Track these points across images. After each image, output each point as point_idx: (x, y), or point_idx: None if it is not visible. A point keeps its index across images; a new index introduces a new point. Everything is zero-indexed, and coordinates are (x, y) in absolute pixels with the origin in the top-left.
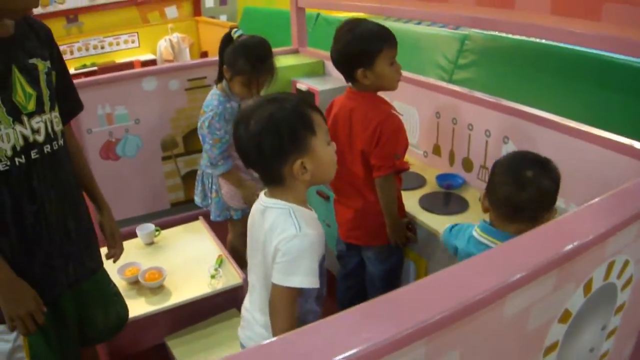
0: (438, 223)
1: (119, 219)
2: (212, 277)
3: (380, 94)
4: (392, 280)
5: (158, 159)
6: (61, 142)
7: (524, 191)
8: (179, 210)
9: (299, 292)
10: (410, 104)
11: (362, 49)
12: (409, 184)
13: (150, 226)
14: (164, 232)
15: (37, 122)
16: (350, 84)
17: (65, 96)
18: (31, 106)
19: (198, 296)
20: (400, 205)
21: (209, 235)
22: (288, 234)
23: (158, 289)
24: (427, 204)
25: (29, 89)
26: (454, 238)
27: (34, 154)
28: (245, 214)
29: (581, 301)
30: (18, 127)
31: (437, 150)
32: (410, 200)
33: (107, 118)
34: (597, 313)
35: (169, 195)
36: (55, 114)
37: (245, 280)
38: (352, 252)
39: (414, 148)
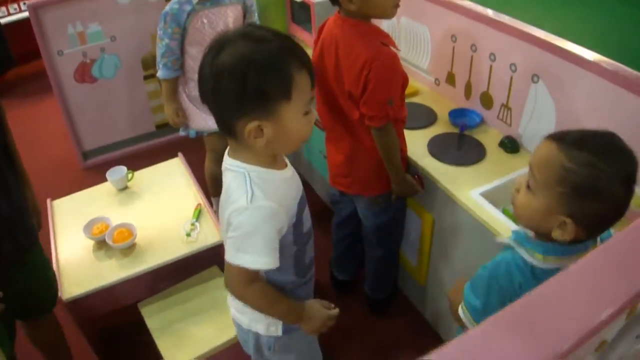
0: (449, 176)
1: (104, 144)
2: (188, 235)
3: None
4: (391, 235)
5: (139, 78)
6: None
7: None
8: (164, 133)
9: (255, 272)
10: (419, 21)
11: None
12: (416, 121)
13: (123, 170)
14: (138, 174)
15: None
16: (340, 10)
17: None
18: None
19: (173, 258)
20: (404, 156)
21: (188, 177)
22: (238, 205)
23: (128, 250)
24: (437, 148)
25: None
26: (491, 292)
27: None
28: (199, 134)
29: None
30: None
31: (450, 79)
32: (417, 143)
33: (80, 37)
34: None
35: (153, 116)
36: None
37: None
38: (345, 198)
39: (422, 73)
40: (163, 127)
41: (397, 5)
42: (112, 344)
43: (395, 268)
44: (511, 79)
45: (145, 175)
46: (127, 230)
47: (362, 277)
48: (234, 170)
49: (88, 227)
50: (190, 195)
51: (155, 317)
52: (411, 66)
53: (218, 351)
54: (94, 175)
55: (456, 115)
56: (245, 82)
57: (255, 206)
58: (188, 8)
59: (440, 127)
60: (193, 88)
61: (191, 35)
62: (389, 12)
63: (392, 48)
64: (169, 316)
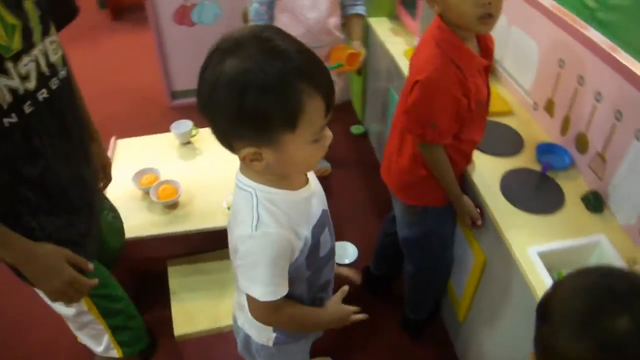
0: (512, 219)
1: (192, 88)
2: (228, 208)
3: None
4: (422, 252)
5: None
6: (63, 72)
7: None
8: None
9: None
10: (530, 34)
11: None
12: (498, 146)
13: (188, 124)
14: (204, 132)
15: (26, 64)
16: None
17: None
18: (16, 44)
19: (209, 227)
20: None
21: None
22: (244, 232)
23: (169, 207)
24: (510, 183)
25: (10, 18)
26: None
27: (27, 108)
28: None
29: None
30: (2, 81)
31: (549, 107)
32: (491, 171)
33: None
34: None
35: None
36: (52, 39)
37: None
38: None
39: (522, 92)
40: None
41: (483, 18)
42: (133, 294)
43: (427, 291)
44: (613, 127)
45: (210, 135)
46: (173, 187)
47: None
48: (242, 189)
49: (137, 177)
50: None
51: (178, 279)
52: (513, 82)
53: (223, 332)
54: (178, 115)
55: (545, 150)
56: (243, 101)
57: (260, 233)
58: None
59: (523, 160)
60: None
61: (282, 1)
62: (472, 24)
63: (461, 70)
64: (191, 283)
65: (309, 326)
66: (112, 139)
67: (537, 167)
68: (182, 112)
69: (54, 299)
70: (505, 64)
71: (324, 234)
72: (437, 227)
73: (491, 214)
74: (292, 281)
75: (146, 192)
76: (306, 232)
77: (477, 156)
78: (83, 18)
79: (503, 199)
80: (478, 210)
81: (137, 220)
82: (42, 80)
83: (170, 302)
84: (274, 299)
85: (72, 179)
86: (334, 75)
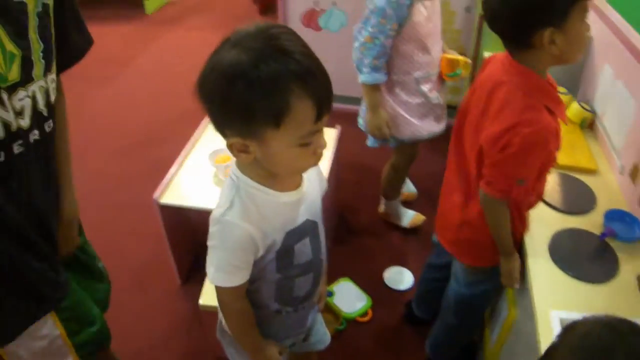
0: (548, 280)
1: None
2: None
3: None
4: (473, 310)
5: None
6: (53, 120)
7: None
8: None
9: (236, 290)
10: (631, 91)
11: None
12: (566, 202)
13: None
14: None
15: (22, 98)
16: (511, 50)
17: (66, 35)
18: (13, 74)
19: None
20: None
21: (329, 150)
22: (215, 215)
23: None
24: (560, 244)
25: (10, 46)
26: None
27: (17, 148)
28: (403, 143)
29: None
30: None
31: (634, 173)
32: (548, 227)
33: None
34: None
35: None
36: (52, 77)
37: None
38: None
39: (614, 154)
40: None
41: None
42: (190, 263)
43: (462, 342)
44: None
45: None
46: None
47: None
48: (231, 177)
49: (213, 155)
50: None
51: None
52: (607, 139)
53: None
54: None
55: (615, 216)
56: (231, 90)
57: (224, 221)
58: (406, 1)
59: (587, 221)
60: (401, 91)
61: (408, 30)
62: (580, 54)
63: (554, 117)
64: None
65: (242, 339)
66: (204, 120)
67: (596, 235)
68: None
69: None
70: (605, 120)
71: (301, 243)
72: (497, 285)
73: (528, 268)
74: (259, 277)
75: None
76: (276, 235)
77: (539, 206)
78: (234, 7)
79: (547, 255)
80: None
81: (202, 190)
82: (37, 120)
83: None
84: (221, 284)
85: (38, 227)
86: (448, 83)
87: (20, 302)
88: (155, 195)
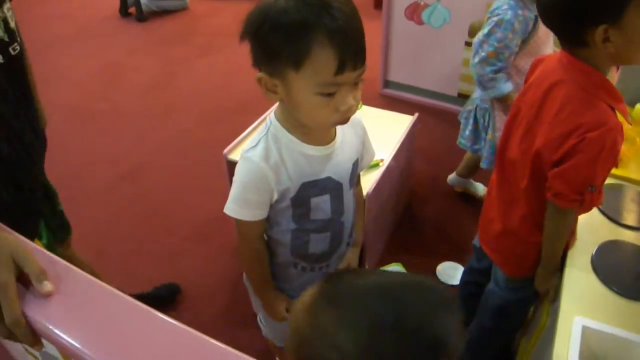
0: (584, 290)
1: (404, 83)
2: None
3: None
4: (510, 315)
5: (461, 41)
6: (19, 42)
7: None
8: (464, 103)
9: (247, 224)
10: None
11: None
12: (622, 213)
13: None
14: (370, 111)
15: None
16: (568, 48)
17: None
18: None
19: None
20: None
21: (401, 134)
22: (242, 151)
23: None
24: (605, 255)
25: None
26: None
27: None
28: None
29: None
30: None
31: None
32: (595, 236)
33: None
34: None
35: (460, 83)
36: (7, 6)
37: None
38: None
39: None
40: (464, 97)
41: None
42: None
43: (496, 346)
44: None
45: (374, 114)
46: None
47: None
48: (265, 121)
49: None
50: (382, 149)
51: None
52: None
53: None
54: (384, 103)
55: None
56: (261, 30)
57: (246, 157)
58: (531, 15)
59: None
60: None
61: (531, 46)
62: None
63: (620, 119)
64: None
65: (255, 281)
66: None
67: None
68: (389, 101)
69: None
70: None
71: (319, 198)
72: (537, 292)
73: (564, 274)
74: (276, 223)
75: None
76: (290, 183)
77: (592, 212)
78: None
79: (589, 263)
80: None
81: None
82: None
83: None
84: (231, 214)
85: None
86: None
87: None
88: (225, 151)
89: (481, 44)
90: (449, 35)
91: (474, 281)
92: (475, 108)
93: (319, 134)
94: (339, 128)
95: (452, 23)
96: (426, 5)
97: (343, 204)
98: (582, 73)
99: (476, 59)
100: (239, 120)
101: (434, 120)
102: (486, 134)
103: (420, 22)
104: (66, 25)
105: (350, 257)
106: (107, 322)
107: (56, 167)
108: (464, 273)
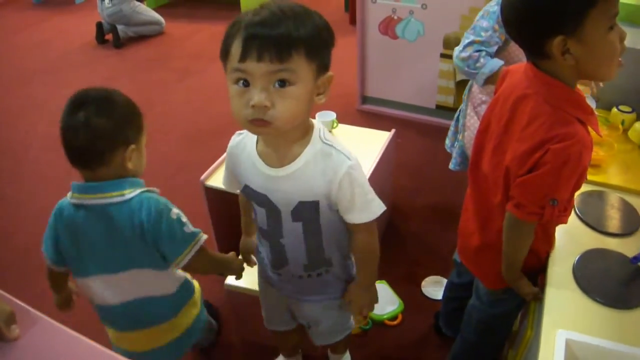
0: (567, 302)
1: (382, 97)
2: None
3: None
4: (495, 329)
5: (436, 54)
6: None
7: None
8: (443, 115)
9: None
10: None
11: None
12: (607, 223)
13: (332, 115)
14: (345, 128)
15: None
16: (532, 60)
17: None
18: None
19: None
20: (542, 258)
21: (377, 152)
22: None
23: None
24: (587, 265)
25: None
26: None
27: None
28: None
29: None
30: None
31: None
32: (577, 245)
33: None
34: None
35: (437, 96)
36: None
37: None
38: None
39: None
40: (442, 109)
41: (620, 64)
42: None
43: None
44: None
45: (351, 132)
46: None
47: None
48: None
49: None
50: (367, 166)
51: None
52: None
53: None
54: (362, 119)
55: None
56: None
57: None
58: None
59: (624, 245)
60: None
61: (508, 52)
62: (612, 70)
63: (589, 132)
64: None
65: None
66: None
67: (628, 261)
68: (368, 117)
69: None
70: None
71: (256, 206)
72: (520, 305)
73: (545, 284)
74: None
75: None
76: (239, 175)
77: (573, 221)
78: (326, 15)
79: (570, 275)
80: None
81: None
82: None
83: None
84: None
85: None
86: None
87: None
88: (202, 177)
89: (467, 35)
90: (424, 48)
91: (456, 296)
92: (460, 109)
93: (270, 153)
94: (302, 159)
95: (427, 36)
96: (400, 19)
97: (282, 229)
98: (547, 86)
99: (460, 47)
100: (218, 144)
101: (413, 133)
102: (460, 133)
103: (394, 37)
104: (42, 54)
105: (352, 294)
106: None
107: (36, 197)
108: (446, 289)
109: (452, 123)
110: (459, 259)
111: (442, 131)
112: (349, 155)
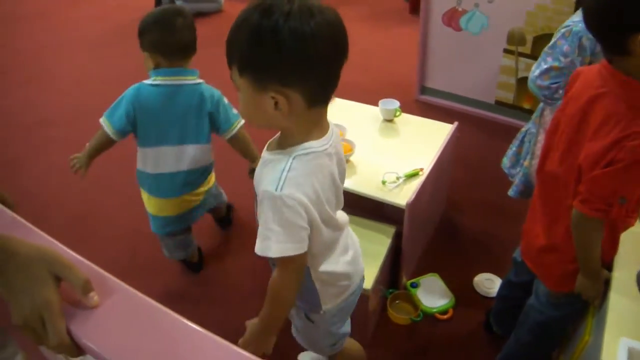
0: (632, 309)
1: (441, 89)
2: (383, 182)
3: None
4: (551, 332)
5: (499, 48)
6: None
7: None
8: (501, 112)
9: None
10: None
11: None
12: None
13: (395, 103)
14: (408, 117)
15: None
16: (609, 57)
17: None
18: None
19: (357, 191)
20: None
21: (439, 144)
22: None
23: None
24: None
25: None
26: None
27: None
28: None
29: None
30: None
31: None
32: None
33: None
34: None
35: (497, 91)
36: None
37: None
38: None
39: None
40: (501, 105)
41: None
42: None
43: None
44: None
45: (413, 122)
46: (348, 146)
47: None
48: None
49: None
50: (422, 157)
51: None
52: None
53: None
54: (420, 110)
55: None
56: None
57: None
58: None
59: None
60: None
61: None
62: None
63: None
64: None
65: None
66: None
67: None
68: (425, 107)
69: (22, 330)
70: None
71: None
72: (579, 309)
73: (609, 291)
74: None
75: None
76: None
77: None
78: (385, 2)
79: (634, 282)
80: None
81: None
82: None
83: None
84: None
85: None
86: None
87: None
88: None
89: (545, 56)
90: (487, 42)
91: (511, 296)
92: (527, 131)
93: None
94: (263, 157)
95: (491, 29)
96: (464, 11)
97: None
98: (623, 85)
99: (537, 72)
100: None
101: (470, 127)
102: (525, 159)
103: (458, 28)
104: (100, 27)
105: (247, 330)
106: (153, 340)
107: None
108: (502, 287)
109: (515, 143)
110: (519, 258)
111: (500, 128)
112: (283, 186)
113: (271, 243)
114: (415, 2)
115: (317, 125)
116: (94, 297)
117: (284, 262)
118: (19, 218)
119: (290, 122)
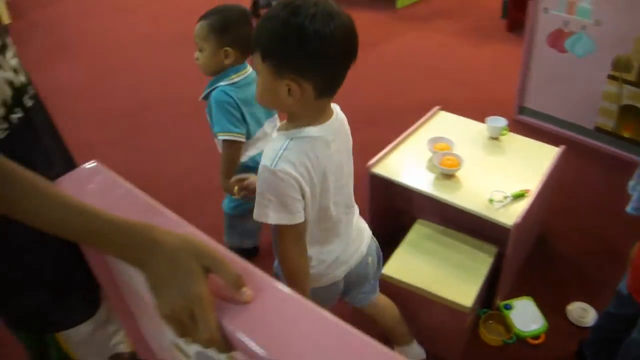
0: None
1: (540, 110)
2: (491, 200)
3: None
4: None
5: (604, 74)
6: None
7: None
8: (600, 138)
9: None
10: None
11: None
12: None
13: (502, 121)
14: (514, 137)
15: (12, 57)
16: None
17: None
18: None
19: (466, 208)
20: None
21: (546, 167)
22: None
23: (446, 176)
24: None
25: None
26: None
27: (27, 102)
28: None
29: None
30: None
31: None
32: None
33: (569, 5)
34: None
35: (597, 117)
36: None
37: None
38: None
39: None
40: (601, 132)
41: None
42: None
43: None
44: None
45: (518, 141)
46: (456, 160)
47: None
48: None
49: (433, 141)
50: (527, 178)
51: (417, 237)
52: None
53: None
54: (517, 129)
55: None
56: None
57: None
58: None
59: None
60: None
61: None
62: None
63: None
64: (426, 246)
65: None
66: (435, 108)
67: None
68: (523, 127)
69: (167, 322)
70: None
71: None
72: None
73: None
74: None
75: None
76: None
77: None
78: (483, 18)
79: None
80: None
81: (412, 171)
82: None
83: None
84: None
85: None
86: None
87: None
88: (369, 164)
89: None
90: (591, 66)
91: (609, 327)
92: None
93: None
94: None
95: (597, 54)
96: (571, 33)
97: None
98: None
99: (632, 182)
100: (371, 134)
101: (568, 151)
102: None
103: (563, 50)
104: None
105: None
106: (306, 341)
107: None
108: (601, 318)
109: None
110: (626, 291)
111: (599, 154)
112: (278, 162)
113: (269, 211)
114: (513, 20)
115: (321, 114)
116: (247, 292)
117: (281, 231)
118: (156, 205)
119: (298, 108)
